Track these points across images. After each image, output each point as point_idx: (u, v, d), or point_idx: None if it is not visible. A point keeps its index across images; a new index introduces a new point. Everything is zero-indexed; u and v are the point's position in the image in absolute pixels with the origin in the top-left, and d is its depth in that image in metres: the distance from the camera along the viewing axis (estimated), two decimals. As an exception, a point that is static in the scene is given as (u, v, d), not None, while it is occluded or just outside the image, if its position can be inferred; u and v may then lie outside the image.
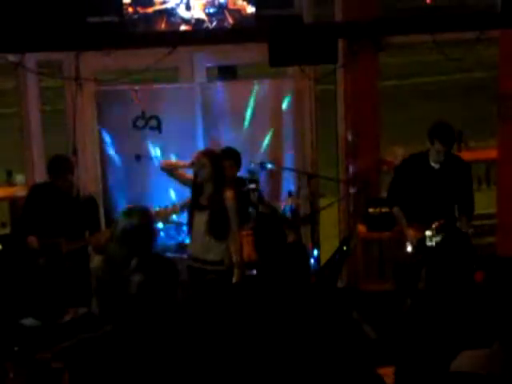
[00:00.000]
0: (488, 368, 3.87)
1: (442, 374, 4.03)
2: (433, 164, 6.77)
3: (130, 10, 7.35)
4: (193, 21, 7.50)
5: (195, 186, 6.56)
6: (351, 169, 8.22)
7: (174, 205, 7.16)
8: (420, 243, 6.56)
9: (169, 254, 7.31)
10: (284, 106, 8.24)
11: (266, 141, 8.24)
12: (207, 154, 6.57)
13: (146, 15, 7.43)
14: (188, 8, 7.41)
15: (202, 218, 6.50)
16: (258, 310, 4.72)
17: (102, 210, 7.86)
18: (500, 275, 6.31)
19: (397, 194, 6.97)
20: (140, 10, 7.42)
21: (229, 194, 6.51)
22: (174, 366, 4.20)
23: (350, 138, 8.12)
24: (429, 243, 6.43)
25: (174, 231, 7.74)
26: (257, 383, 4.43)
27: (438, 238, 6.31)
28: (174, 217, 7.41)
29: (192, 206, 6.60)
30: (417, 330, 4.72)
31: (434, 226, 6.44)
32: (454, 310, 4.71)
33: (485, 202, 8.53)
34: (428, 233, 6.45)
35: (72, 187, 6.81)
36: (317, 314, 4.67)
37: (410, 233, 6.72)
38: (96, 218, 7.09)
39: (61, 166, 6.76)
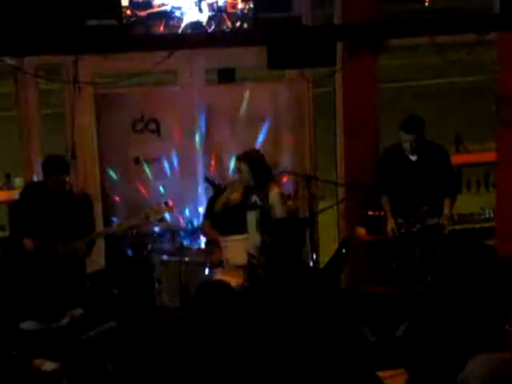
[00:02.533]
0: (505, 373, 3.83)
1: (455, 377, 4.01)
2: (410, 156, 7.10)
3: (129, 12, 7.34)
4: (204, 23, 7.47)
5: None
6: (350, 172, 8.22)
7: (167, 203, 7.19)
8: (398, 230, 7.15)
9: (166, 258, 7.31)
10: (282, 108, 8.24)
11: (265, 143, 8.24)
12: (240, 158, 7.19)
13: (145, 18, 7.43)
14: (201, 10, 7.39)
15: (252, 217, 6.94)
16: (266, 310, 4.73)
17: (100, 211, 7.87)
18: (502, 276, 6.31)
19: (383, 185, 7.31)
20: (138, 12, 7.41)
21: (273, 192, 7.12)
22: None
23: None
24: (413, 229, 7.09)
25: (171, 235, 7.75)
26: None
27: (419, 225, 7.02)
28: (167, 215, 7.44)
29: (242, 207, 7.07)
30: (427, 332, 4.73)
31: (417, 214, 7.02)
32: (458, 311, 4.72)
33: (484, 204, 8.54)
34: (400, 220, 7.12)
35: (64, 186, 6.72)
36: (318, 316, 4.67)
37: (390, 222, 7.19)
38: (90, 216, 7.00)
39: (52, 165, 6.73)
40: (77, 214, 6.79)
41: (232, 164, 8.14)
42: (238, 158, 7.26)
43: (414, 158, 7.12)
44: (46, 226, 6.69)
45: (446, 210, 7.07)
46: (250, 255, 6.84)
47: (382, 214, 7.40)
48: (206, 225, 7.49)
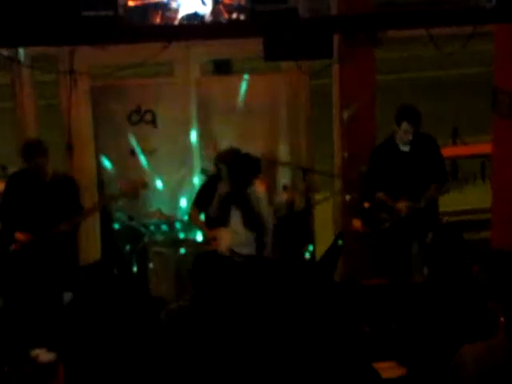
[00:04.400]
0: (490, 360, 3.88)
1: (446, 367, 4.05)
2: (402, 148, 7.11)
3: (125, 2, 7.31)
4: (208, 16, 7.44)
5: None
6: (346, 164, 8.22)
7: (141, 178, 7.23)
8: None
9: (162, 249, 7.32)
10: (279, 100, 8.23)
11: (261, 135, 8.24)
12: (217, 159, 7.14)
13: (141, 9, 7.40)
14: (204, 3, 7.36)
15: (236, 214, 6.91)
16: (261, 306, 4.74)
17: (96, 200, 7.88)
18: (496, 269, 6.34)
19: (376, 184, 7.25)
20: (135, 3, 7.39)
21: (258, 189, 7.01)
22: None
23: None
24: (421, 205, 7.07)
25: (167, 227, 7.75)
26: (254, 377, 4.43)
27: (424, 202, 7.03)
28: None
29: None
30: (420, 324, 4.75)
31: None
32: (453, 303, 4.74)
33: (480, 196, 8.55)
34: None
35: (44, 171, 6.75)
36: (314, 308, 4.68)
37: (400, 205, 7.08)
38: (75, 197, 6.98)
39: (29, 149, 6.75)
40: (62, 197, 6.81)
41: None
42: (216, 160, 7.19)
43: (406, 148, 7.13)
44: (32, 213, 6.70)
45: (431, 190, 7.08)
46: (232, 252, 6.82)
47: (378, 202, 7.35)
48: (193, 213, 7.45)
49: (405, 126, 6.99)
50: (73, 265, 7.05)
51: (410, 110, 7.06)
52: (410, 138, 7.02)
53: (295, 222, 7.87)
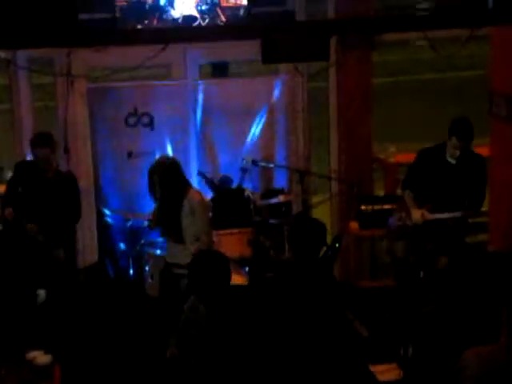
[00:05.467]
0: (493, 362, 3.90)
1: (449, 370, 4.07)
2: (449, 159, 6.81)
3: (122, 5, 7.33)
4: (180, 20, 7.47)
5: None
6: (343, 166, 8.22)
7: None
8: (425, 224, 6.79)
9: (158, 252, 7.31)
10: (276, 103, 8.24)
11: (258, 138, 8.24)
12: (150, 169, 6.47)
13: (138, 12, 7.42)
14: (172, 6, 7.39)
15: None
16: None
17: (93, 204, 7.88)
18: (495, 270, 6.34)
19: (411, 182, 7.03)
20: (132, 6, 7.41)
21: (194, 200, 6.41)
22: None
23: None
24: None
25: None
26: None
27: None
28: None
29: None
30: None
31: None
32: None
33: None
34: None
35: (49, 162, 6.76)
36: (311, 310, 4.68)
37: (416, 213, 6.82)
38: (75, 197, 6.97)
39: (36, 139, 6.78)
40: (62, 194, 6.81)
41: (225, 159, 8.17)
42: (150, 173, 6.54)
43: (453, 161, 6.82)
44: (32, 205, 6.73)
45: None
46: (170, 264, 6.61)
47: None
48: None
49: (454, 141, 6.68)
50: (71, 267, 7.04)
51: (461, 126, 6.70)
52: (458, 154, 6.73)
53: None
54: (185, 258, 6.02)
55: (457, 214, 6.77)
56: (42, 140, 6.76)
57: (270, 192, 8.14)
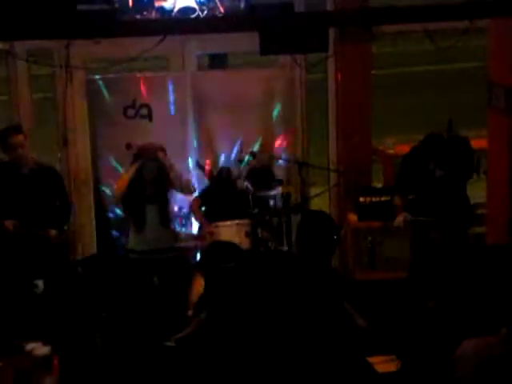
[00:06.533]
0: (490, 353, 3.91)
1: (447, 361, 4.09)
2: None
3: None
4: (174, 12, 7.45)
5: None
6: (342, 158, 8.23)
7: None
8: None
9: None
10: (275, 94, 8.23)
11: (257, 129, 8.24)
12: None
13: (137, 3, 7.40)
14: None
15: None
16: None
17: (91, 197, 7.88)
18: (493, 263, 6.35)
19: (402, 186, 7.22)
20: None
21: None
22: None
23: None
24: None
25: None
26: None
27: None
28: None
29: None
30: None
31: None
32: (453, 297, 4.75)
33: (475, 191, 8.55)
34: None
35: (23, 155, 6.55)
36: (308, 302, 4.68)
37: (401, 215, 7.08)
38: (59, 189, 6.85)
39: (4, 131, 6.59)
40: (42, 188, 6.66)
41: (223, 150, 8.17)
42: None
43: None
44: (14, 204, 6.58)
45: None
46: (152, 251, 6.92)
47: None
48: (195, 203, 7.55)
49: (431, 165, 6.93)
50: (64, 258, 7.00)
51: (441, 156, 6.95)
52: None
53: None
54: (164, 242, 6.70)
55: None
56: (14, 128, 6.63)
57: (269, 184, 8.13)
